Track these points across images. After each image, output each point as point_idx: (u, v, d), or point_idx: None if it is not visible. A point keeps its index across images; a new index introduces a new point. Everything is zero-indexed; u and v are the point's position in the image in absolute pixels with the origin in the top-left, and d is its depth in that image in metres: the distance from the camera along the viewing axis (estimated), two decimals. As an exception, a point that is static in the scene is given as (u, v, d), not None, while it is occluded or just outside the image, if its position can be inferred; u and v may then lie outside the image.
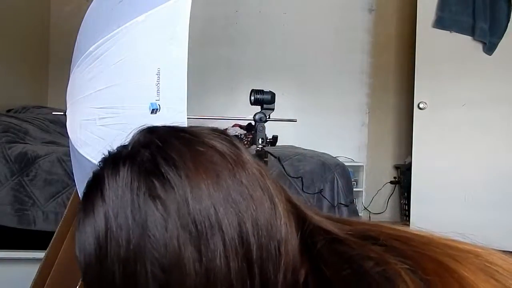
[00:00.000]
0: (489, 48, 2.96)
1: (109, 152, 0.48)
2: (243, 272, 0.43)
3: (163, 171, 0.43)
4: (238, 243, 0.43)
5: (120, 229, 0.42)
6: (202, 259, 0.41)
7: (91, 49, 0.97)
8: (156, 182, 0.43)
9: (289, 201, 0.51)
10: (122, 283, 0.42)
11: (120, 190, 0.43)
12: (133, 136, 0.49)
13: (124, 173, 0.44)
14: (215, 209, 0.43)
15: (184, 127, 0.50)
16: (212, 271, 0.42)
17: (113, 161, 0.46)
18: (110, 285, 0.43)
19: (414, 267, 0.42)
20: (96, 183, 0.45)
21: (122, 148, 0.48)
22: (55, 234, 1.40)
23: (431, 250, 0.45)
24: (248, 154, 0.49)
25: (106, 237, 0.43)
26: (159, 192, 0.42)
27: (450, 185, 3.02)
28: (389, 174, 3.73)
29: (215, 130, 0.50)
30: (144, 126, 0.50)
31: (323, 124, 3.71)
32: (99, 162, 0.48)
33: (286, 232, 0.46)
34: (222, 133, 0.50)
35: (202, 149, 0.46)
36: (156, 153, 0.45)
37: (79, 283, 1.26)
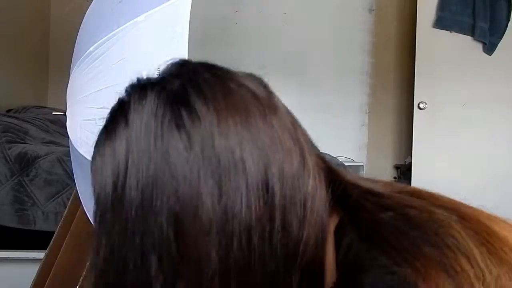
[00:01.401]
0: (489, 48, 2.96)
1: (137, 78, 0.47)
2: (264, 219, 0.40)
3: (191, 101, 0.41)
4: (261, 187, 0.40)
5: (142, 155, 0.40)
6: (222, 196, 0.39)
7: (91, 49, 0.97)
8: (183, 111, 0.41)
9: (320, 157, 0.48)
10: (137, 213, 0.40)
11: (145, 115, 0.41)
12: (164, 68, 0.47)
13: (152, 99, 0.42)
14: (241, 147, 0.40)
15: (219, 65, 0.49)
16: (231, 209, 0.39)
17: (141, 86, 0.44)
18: (125, 216, 0.40)
19: (458, 217, 0.42)
20: (121, 108, 0.44)
21: (151, 78, 0.46)
22: (55, 234, 1.40)
23: (464, 205, 0.46)
24: (282, 102, 0.47)
25: (126, 163, 0.41)
26: (184, 122, 0.40)
27: (450, 185, 3.01)
28: (389, 174, 3.73)
29: (250, 74, 0.49)
30: (176, 59, 0.48)
31: (323, 124, 3.70)
32: (126, 87, 0.46)
33: (314, 187, 0.43)
34: (258, 78, 0.48)
35: (233, 86, 0.44)
36: (186, 83, 0.43)
37: (79, 283, 1.26)
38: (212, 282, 0.39)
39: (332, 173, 0.49)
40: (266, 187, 0.40)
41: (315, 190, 0.43)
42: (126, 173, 0.41)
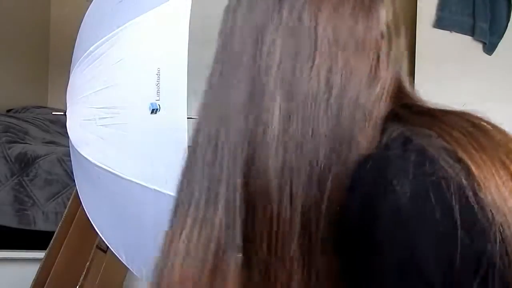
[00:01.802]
0: (489, 48, 2.96)
1: None
2: (325, 93, 0.41)
3: None
4: (326, 69, 0.42)
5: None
6: (296, 58, 0.42)
7: (91, 49, 0.98)
8: None
9: (398, 78, 0.50)
10: (235, 49, 0.48)
11: None
12: None
13: None
14: (323, 24, 0.43)
15: None
16: (299, 73, 0.42)
17: None
18: (230, 53, 0.48)
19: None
20: None
21: None
22: (55, 234, 1.41)
23: None
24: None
25: (235, 5, 0.51)
26: None
27: (450, 185, 3.02)
28: (389, 174, 3.73)
29: None
30: None
31: (323, 124, 3.70)
32: None
33: (379, 97, 0.44)
34: None
35: None
36: None
37: (79, 283, 1.26)
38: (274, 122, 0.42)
39: (401, 94, 0.50)
40: (329, 70, 0.42)
41: (378, 100, 0.44)
42: (234, 16, 0.51)
